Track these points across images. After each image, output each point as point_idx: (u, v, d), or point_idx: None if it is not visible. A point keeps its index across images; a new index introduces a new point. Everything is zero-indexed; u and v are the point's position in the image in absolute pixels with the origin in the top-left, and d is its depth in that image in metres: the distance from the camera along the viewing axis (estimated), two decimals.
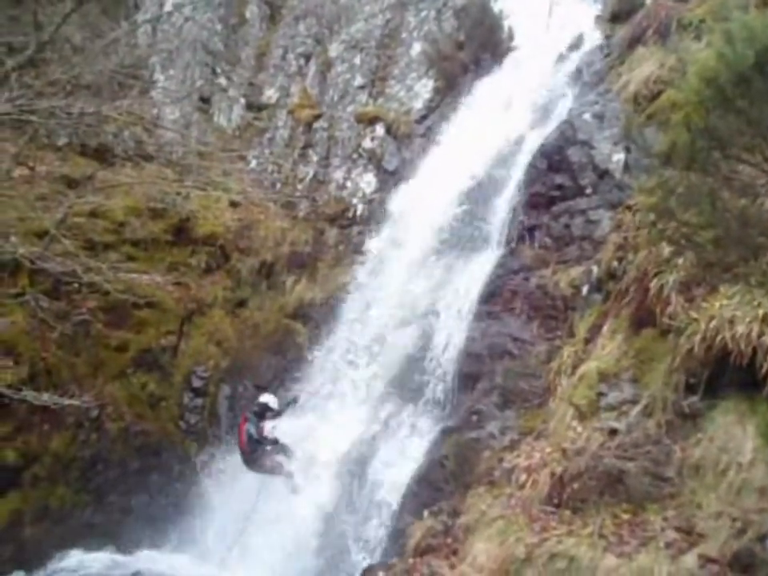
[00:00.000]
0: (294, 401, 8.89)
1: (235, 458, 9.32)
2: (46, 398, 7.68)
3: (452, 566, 5.90)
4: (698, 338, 5.68)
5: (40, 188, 10.04)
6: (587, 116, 10.26)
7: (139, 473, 9.30)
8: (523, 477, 6.37)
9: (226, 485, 9.12)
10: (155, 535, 9.06)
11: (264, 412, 8.53)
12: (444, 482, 7.92)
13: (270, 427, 8.42)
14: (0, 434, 8.37)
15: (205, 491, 9.27)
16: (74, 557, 8.52)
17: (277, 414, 8.58)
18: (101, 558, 8.59)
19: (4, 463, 8.32)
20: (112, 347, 9.59)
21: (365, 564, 7.21)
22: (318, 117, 12.50)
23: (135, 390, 9.58)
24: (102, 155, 11.19)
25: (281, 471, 8.46)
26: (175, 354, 10.08)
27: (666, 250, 6.41)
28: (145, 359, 9.80)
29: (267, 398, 8.65)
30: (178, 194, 10.74)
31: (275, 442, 8.41)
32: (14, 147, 9.93)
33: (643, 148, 7.57)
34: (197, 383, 9.98)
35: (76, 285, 9.28)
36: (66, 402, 7.82)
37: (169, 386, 9.85)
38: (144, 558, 8.64)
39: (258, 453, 8.38)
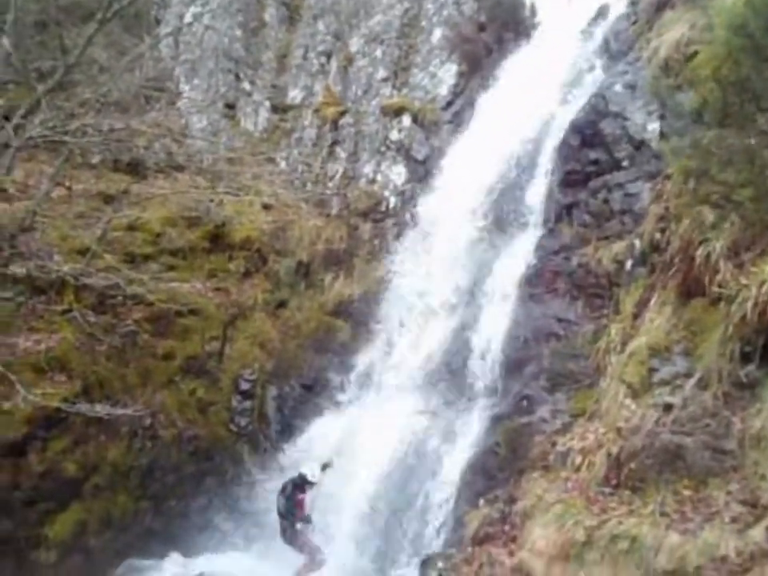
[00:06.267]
0: (329, 465, 8.40)
1: (289, 458, 9.45)
2: (99, 409, 7.89)
3: (511, 553, 5.82)
4: (749, 304, 5.47)
5: (78, 206, 10.30)
6: (618, 87, 9.99)
7: (195, 477, 9.43)
8: (578, 459, 6.26)
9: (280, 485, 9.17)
10: (215, 537, 9.21)
11: (304, 484, 8.14)
12: (498, 469, 7.83)
13: (308, 501, 8.10)
14: (60, 448, 8.59)
15: (260, 491, 9.35)
16: (139, 563, 8.70)
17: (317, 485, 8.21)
18: (165, 563, 8.75)
19: (65, 475, 8.54)
20: (159, 356, 9.74)
21: (423, 555, 7.17)
22: (343, 113, 12.48)
23: (184, 397, 9.72)
24: (135, 169, 11.40)
25: (305, 552, 8.08)
26: (221, 359, 10.19)
27: (710, 215, 6.18)
28: (192, 366, 9.93)
29: (307, 470, 8.20)
30: (211, 201, 10.87)
31: (309, 520, 8.07)
32: (51, 168, 10.19)
33: (675, 111, 7.30)
34: (244, 386, 10.07)
35: (120, 298, 9.47)
36: (119, 411, 8.02)
37: (217, 390, 9.97)
38: (206, 560, 8.76)
39: (283, 525, 8.11)
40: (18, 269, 8.67)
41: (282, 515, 8.13)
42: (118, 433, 8.99)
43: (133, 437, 9.13)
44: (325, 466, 8.37)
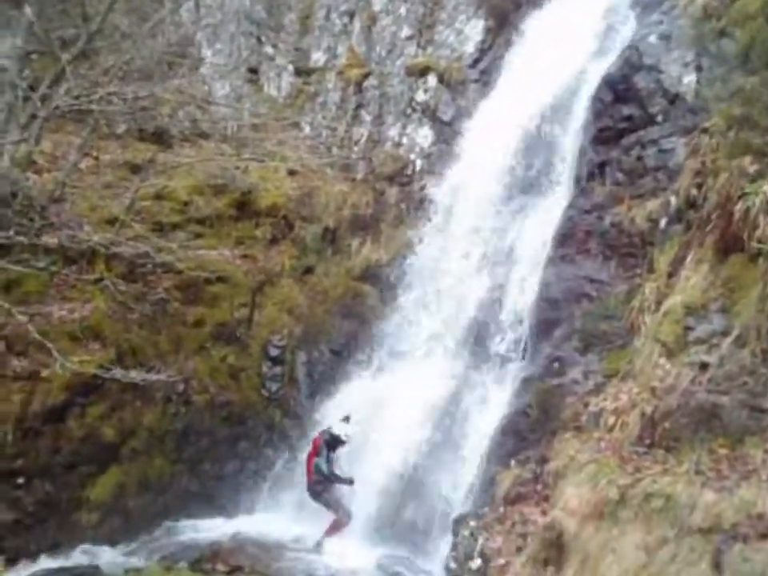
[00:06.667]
0: (350, 482, 8.34)
1: (319, 422, 9.53)
2: (134, 374, 8.01)
3: (543, 512, 5.82)
4: None
5: (106, 176, 10.37)
6: (652, 38, 9.62)
7: (228, 441, 9.61)
8: (611, 419, 6.19)
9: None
10: (250, 499, 9.41)
11: (336, 444, 8.36)
12: (529, 431, 7.81)
13: (339, 460, 8.32)
14: (97, 414, 8.78)
15: (292, 454, 9.49)
16: (176, 524, 8.95)
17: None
18: (201, 523, 8.99)
19: (104, 440, 8.75)
20: (190, 323, 9.84)
21: (455, 515, 7.22)
22: (367, 75, 12.25)
23: (216, 363, 9.84)
24: (160, 138, 11.40)
25: (337, 510, 8.27)
26: (250, 326, 10.27)
27: (751, 168, 5.94)
28: (222, 333, 10.03)
29: (341, 430, 8.40)
30: (237, 168, 10.84)
31: (350, 482, 8.24)
32: (78, 139, 10.25)
33: (717, 56, 6.98)
34: (274, 352, 10.16)
35: (150, 266, 9.55)
36: (153, 377, 8.15)
37: (247, 356, 10.07)
38: (242, 520, 8.98)
39: (321, 486, 8.29)
40: (49, 239, 8.78)
41: (319, 477, 8.25)
42: (152, 399, 9.16)
43: (167, 402, 9.29)
44: (346, 418, 8.56)
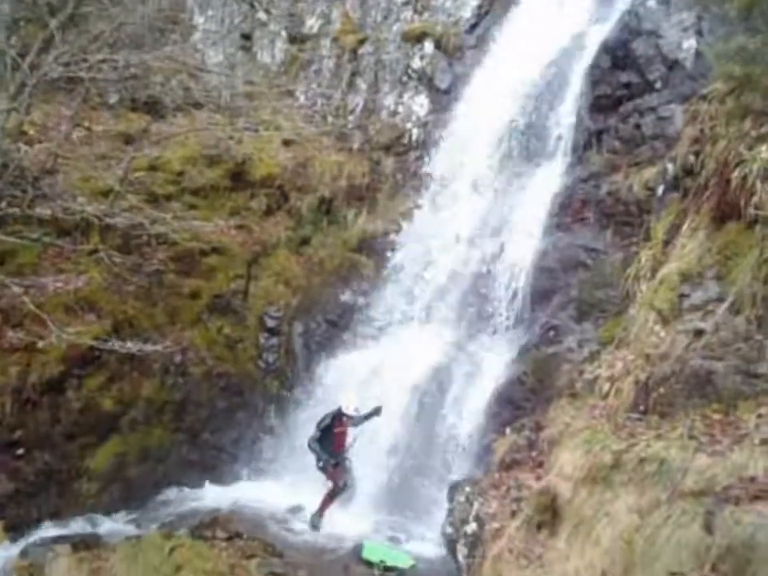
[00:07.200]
0: (377, 412, 8.14)
1: (316, 392, 9.60)
2: (130, 345, 8.03)
3: (538, 478, 5.89)
4: None
5: (99, 148, 10.24)
6: (652, 2, 9.50)
7: (227, 411, 9.67)
8: (606, 386, 6.22)
9: (309, 418, 9.35)
10: (249, 468, 9.50)
11: (341, 417, 8.06)
12: (524, 399, 7.88)
13: (350, 438, 8.10)
14: (95, 385, 8.81)
15: (290, 424, 9.56)
16: (177, 491, 9.05)
17: (357, 420, 8.12)
18: (200, 492, 9.09)
19: (103, 411, 8.79)
20: (185, 295, 9.83)
21: (451, 481, 7.30)
22: (362, 41, 12.04)
23: (212, 335, 9.85)
24: (153, 108, 11.25)
25: (335, 481, 8.09)
26: (246, 297, 10.26)
27: (752, 132, 5.87)
28: (218, 304, 10.03)
29: (349, 403, 8.04)
30: (231, 138, 10.71)
31: (334, 456, 8.00)
32: (68, 110, 10.11)
33: (719, 17, 6.87)
34: (270, 323, 10.17)
35: (145, 238, 9.51)
36: (150, 348, 8.16)
37: (244, 328, 10.08)
38: (240, 489, 9.08)
39: (319, 455, 8.04)
40: (42, 211, 8.70)
41: (313, 447, 8.23)
42: (150, 370, 9.19)
43: (165, 374, 9.33)
44: (373, 413, 8.19)
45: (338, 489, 8.15)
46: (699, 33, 9.00)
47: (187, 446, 9.37)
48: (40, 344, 8.29)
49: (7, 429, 8.07)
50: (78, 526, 8.19)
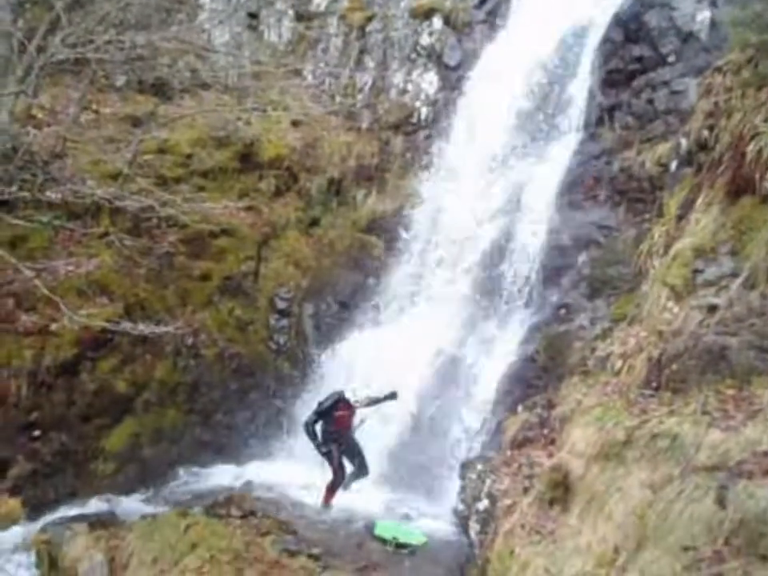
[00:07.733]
0: (393, 397, 7.77)
1: (327, 373, 9.62)
2: (142, 327, 8.07)
3: (550, 455, 5.88)
4: None
5: (107, 130, 10.22)
6: None
7: (239, 392, 9.73)
8: (618, 363, 6.19)
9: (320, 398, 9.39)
10: (261, 448, 9.57)
11: (342, 403, 7.74)
12: (536, 377, 7.86)
13: (357, 420, 7.79)
14: (109, 367, 8.89)
15: (301, 405, 9.60)
16: (191, 471, 9.14)
17: (365, 404, 7.80)
18: (214, 471, 9.18)
19: (117, 392, 8.88)
20: (196, 277, 9.85)
21: (463, 459, 7.32)
22: (370, 18, 11.89)
23: (223, 317, 9.88)
24: (160, 90, 11.19)
25: (333, 468, 7.82)
26: (256, 279, 10.27)
27: (766, 105, 5.76)
28: (228, 286, 10.04)
29: (350, 392, 7.76)
30: (239, 119, 10.66)
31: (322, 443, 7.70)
32: (76, 93, 10.09)
33: None
34: (281, 305, 10.18)
35: (155, 220, 9.52)
36: (161, 330, 8.21)
37: (254, 309, 10.10)
38: (253, 468, 9.15)
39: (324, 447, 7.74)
40: (53, 194, 8.73)
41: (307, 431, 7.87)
42: (163, 352, 9.25)
43: (177, 355, 9.38)
44: (388, 396, 7.87)
45: (338, 480, 8.04)
46: (714, 3, 8.81)
47: (200, 427, 9.45)
48: (53, 327, 8.38)
49: (24, 411, 8.18)
50: (94, 505, 8.28)
